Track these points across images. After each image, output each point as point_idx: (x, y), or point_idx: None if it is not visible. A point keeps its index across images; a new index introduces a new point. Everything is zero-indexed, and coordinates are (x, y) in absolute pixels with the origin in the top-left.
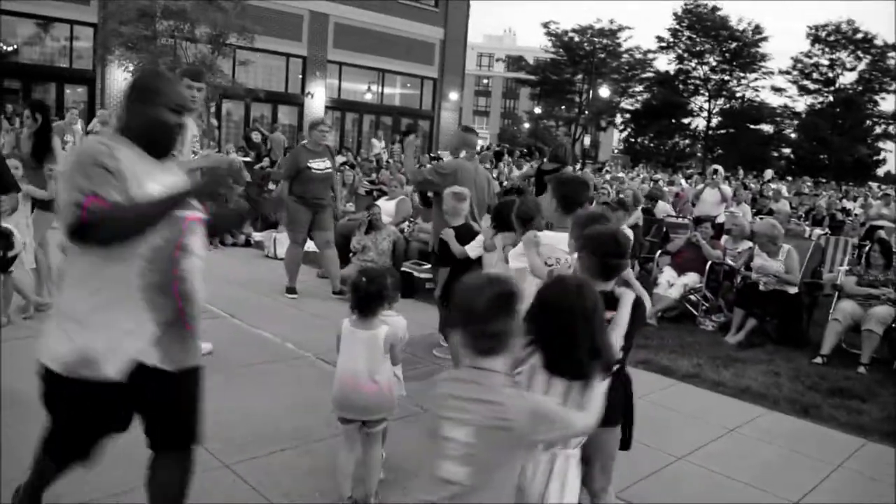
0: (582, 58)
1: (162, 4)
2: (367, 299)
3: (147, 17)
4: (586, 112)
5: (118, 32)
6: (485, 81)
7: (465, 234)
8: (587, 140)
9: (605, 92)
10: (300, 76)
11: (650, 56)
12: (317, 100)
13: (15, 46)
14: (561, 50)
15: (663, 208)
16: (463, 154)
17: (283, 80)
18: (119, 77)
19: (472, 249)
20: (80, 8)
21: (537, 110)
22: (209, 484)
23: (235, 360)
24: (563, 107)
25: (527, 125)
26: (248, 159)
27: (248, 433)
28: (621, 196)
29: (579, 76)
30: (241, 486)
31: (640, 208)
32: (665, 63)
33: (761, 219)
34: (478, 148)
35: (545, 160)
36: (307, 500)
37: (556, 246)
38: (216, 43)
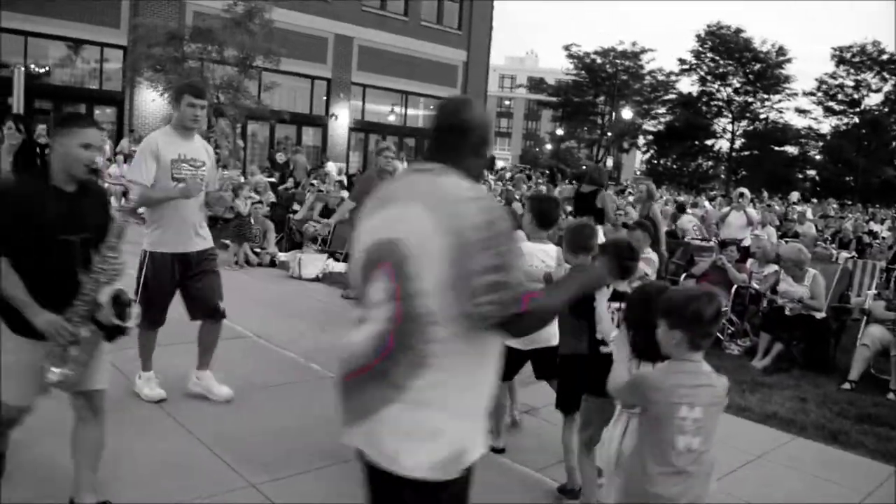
0: (604, 80)
1: (190, 27)
2: None
3: (176, 40)
4: (609, 133)
5: (148, 55)
6: (507, 103)
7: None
8: (609, 161)
9: (627, 114)
10: (324, 98)
11: (673, 78)
12: (341, 121)
13: (47, 68)
14: (583, 72)
15: (688, 220)
16: None
17: (307, 101)
18: (148, 98)
19: None
20: (111, 31)
21: (559, 132)
22: None
23: (261, 381)
24: (585, 128)
25: (549, 146)
26: (272, 180)
27: (275, 453)
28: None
29: (601, 98)
30: None
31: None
32: (688, 85)
33: (787, 242)
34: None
35: (583, 184)
36: None
37: (534, 254)
38: (243, 65)
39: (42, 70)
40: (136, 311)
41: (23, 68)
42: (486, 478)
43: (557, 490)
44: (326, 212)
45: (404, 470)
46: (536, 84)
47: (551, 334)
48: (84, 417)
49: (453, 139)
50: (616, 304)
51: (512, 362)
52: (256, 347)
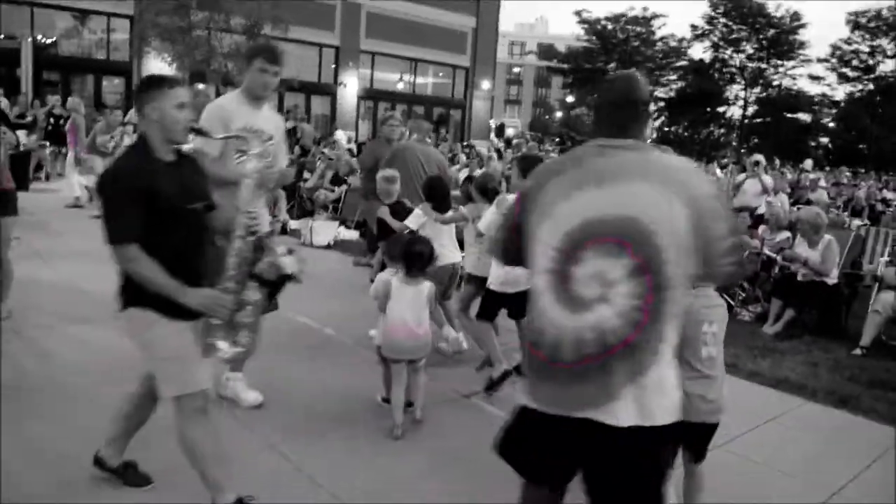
0: (615, 46)
1: None
2: (414, 260)
3: (183, 9)
4: None
5: (154, 24)
6: (516, 70)
7: (400, 211)
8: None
9: None
10: (333, 66)
11: (685, 44)
12: (349, 89)
13: (54, 39)
14: (594, 38)
15: None
16: (415, 136)
17: (315, 70)
18: (155, 68)
19: (412, 221)
20: (117, 0)
21: (570, 99)
22: (255, 464)
23: (273, 346)
24: (595, 95)
25: (559, 114)
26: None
27: (294, 417)
28: None
29: (612, 64)
30: (285, 465)
31: None
32: (700, 51)
33: (798, 209)
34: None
35: None
36: (349, 481)
37: None
38: (250, 33)
39: (49, 41)
40: (295, 257)
41: (30, 40)
42: None
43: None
44: (337, 179)
45: (660, 420)
46: (546, 51)
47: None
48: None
49: (636, 114)
50: None
51: (494, 305)
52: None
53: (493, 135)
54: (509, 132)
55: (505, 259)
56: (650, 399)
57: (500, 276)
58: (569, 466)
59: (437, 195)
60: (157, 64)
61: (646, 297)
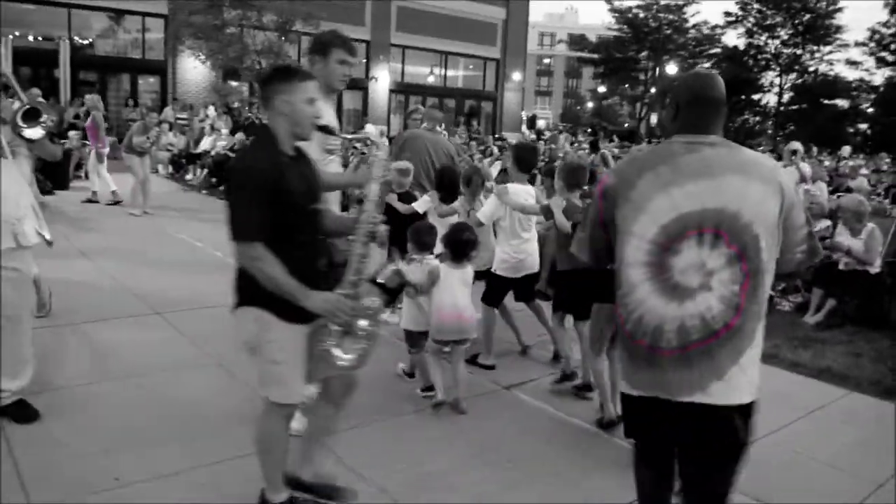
0: (647, 34)
1: None
2: (462, 246)
3: (215, 7)
4: (652, 90)
5: (188, 23)
6: (546, 61)
7: (408, 200)
8: (654, 118)
9: (671, 69)
10: (364, 60)
11: (718, 31)
12: (381, 84)
13: (91, 40)
14: (625, 27)
15: None
16: (425, 125)
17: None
18: (189, 66)
19: (419, 205)
20: (151, 0)
21: (601, 89)
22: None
23: None
24: (627, 85)
25: (590, 104)
26: None
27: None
28: None
29: (644, 53)
30: (328, 456)
31: None
32: (734, 38)
33: (838, 197)
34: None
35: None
36: (391, 471)
37: (519, 193)
38: (282, 30)
39: (86, 42)
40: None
41: (68, 41)
42: (543, 431)
43: (574, 388)
44: None
45: (748, 398)
46: (577, 41)
47: (535, 262)
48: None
49: (718, 111)
50: None
51: (502, 290)
52: None
53: (524, 126)
54: (540, 123)
55: (593, 259)
56: (744, 378)
57: (505, 262)
58: (671, 447)
59: (446, 185)
60: (191, 62)
61: (743, 283)
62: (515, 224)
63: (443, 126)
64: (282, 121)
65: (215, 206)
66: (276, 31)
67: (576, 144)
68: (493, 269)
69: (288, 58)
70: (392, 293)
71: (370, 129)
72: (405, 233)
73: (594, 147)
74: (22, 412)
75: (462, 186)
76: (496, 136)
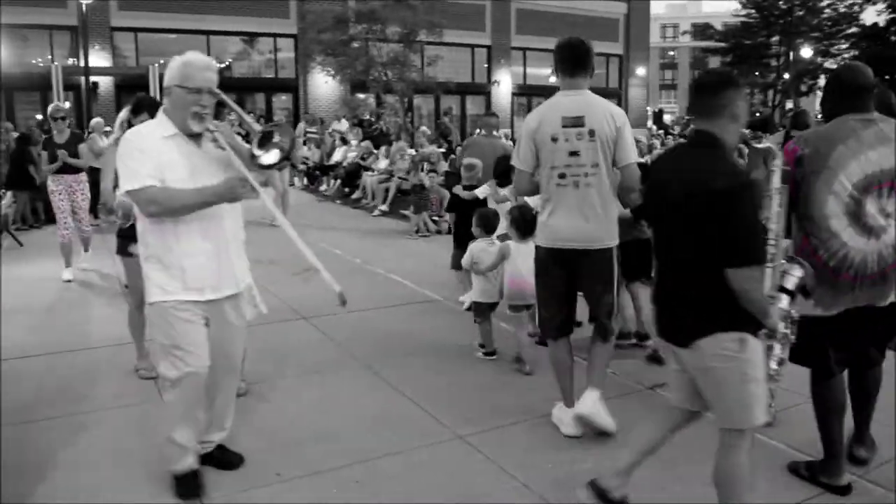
0: (777, 17)
1: (355, 8)
2: (529, 224)
3: (342, 23)
4: (785, 76)
5: (318, 40)
6: (670, 54)
7: (472, 189)
8: (789, 105)
9: (805, 52)
10: (485, 65)
11: (856, 8)
12: (503, 87)
13: (227, 63)
14: (753, 11)
15: None
16: (483, 132)
17: (469, 70)
18: (320, 82)
19: (480, 191)
20: (281, 21)
21: None
22: (445, 454)
23: (452, 341)
24: (757, 73)
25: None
26: (443, 150)
27: (478, 407)
28: None
29: (775, 38)
30: (476, 455)
31: None
32: (874, 14)
33: None
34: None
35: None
36: (539, 470)
37: None
38: (406, 41)
39: (223, 65)
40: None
41: None
42: (694, 431)
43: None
44: None
45: None
46: (701, 30)
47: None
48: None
49: (871, 93)
50: None
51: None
52: (445, 310)
53: (650, 122)
54: (667, 118)
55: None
56: None
57: (549, 236)
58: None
59: (501, 172)
60: (321, 77)
61: None
62: None
63: (498, 130)
64: (733, 129)
65: (349, 215)
66: (400, 42)
67: None
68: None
69: (414, 67)
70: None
71: None
72: (469, 218)
73: None
74: (224, 457)
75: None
76: None
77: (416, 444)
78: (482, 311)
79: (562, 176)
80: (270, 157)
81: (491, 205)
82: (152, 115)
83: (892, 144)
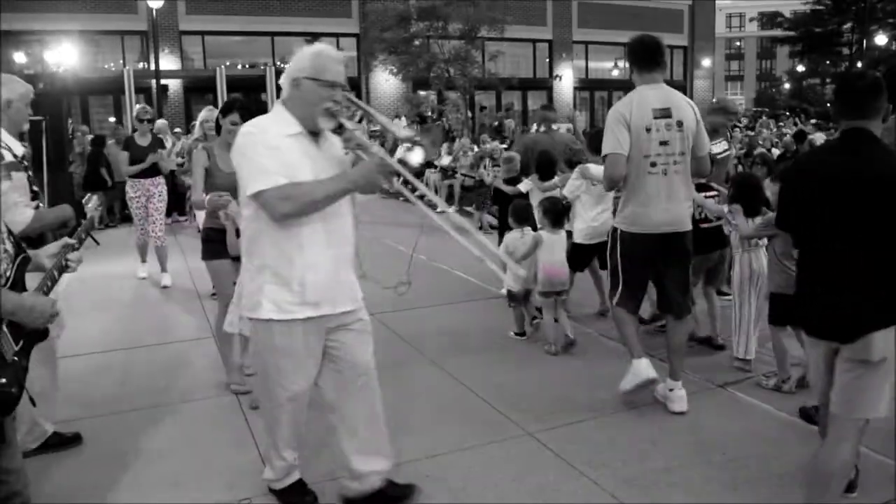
0: (850, 4)
1: (416, 6)
2: (559, 215)
3: (404, 21)
4: (858, 65)
5: (380, 39)
6: (736, 44)
7: (513, 182)
8: None
9: (880, 39)
10: (547, 60)
11: None
12: (565, 81)
13: None
14: None
15: None
16: (542, 128)
17: (530, 65)
18: (382, 80)
19: (522, 186)
20: (343, 21)
21: (799, 69)
22: (514, 450)
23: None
24: (828, 62)
25: (787, 86)
26: (505, 146)
27: (545, 404)
28: None
29: (847, 25)
30: (545, 452)
31: None
32: None
33: None
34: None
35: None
36: (610, 468)
37: (594, 169)
38: (468, 37)
39: (287, 65)
40: None
41: (272, 67)
42: (766, 431)
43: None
44: None
45: None
46: (769, 19)
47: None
48: None
49: None
50: (707, 193)
51: (583, 256)
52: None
53: None
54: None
55: None
56: None
57: (583, 231)
58: None
59: (543, 166)
60: (383, 76)
61: None
62: (592, 198)
63: (556, 123)
64: (879, 127)
65: (411, 211)
66: (462, 38)
67: (773, 130)
68: (573, 240)
69: (476, 63)
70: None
71: None
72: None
73: (800, 137)
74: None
75: (563, 165)
76: None
77: (485, 439)
78: (515, 297)
79: (653, 164)
80: (416, 156)
81: (536, 197)
82: (243, 117)
83: None
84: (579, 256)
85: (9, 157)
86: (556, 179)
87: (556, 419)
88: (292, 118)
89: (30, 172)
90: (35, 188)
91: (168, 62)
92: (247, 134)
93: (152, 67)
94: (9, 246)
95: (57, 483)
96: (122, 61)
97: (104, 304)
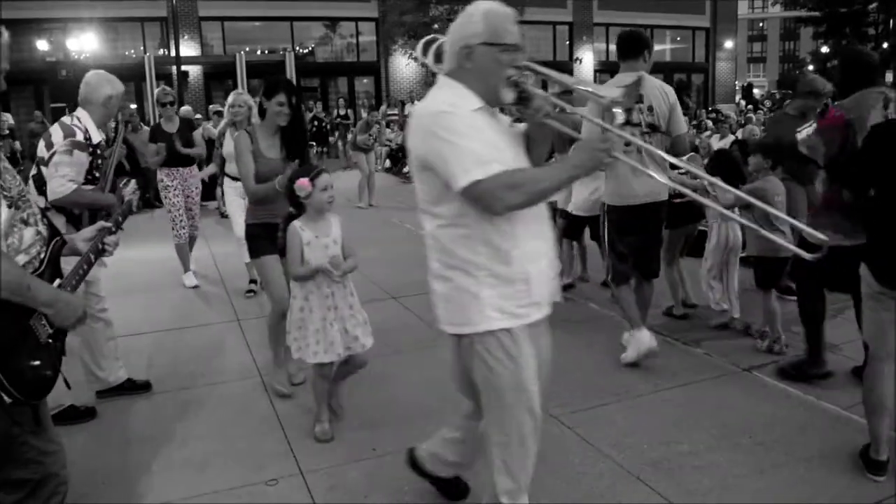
0: None
1: None
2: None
3: (424, 5)
4: (885, 45)
5: (400, 23)
6: (759, 25)
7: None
8: (889, 77)
9: None
10: (567, 42)
11: None
12: (585, 64)
13: (310, 48)
14: None
15: None
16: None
17: (550, 48)
18: (402, 64)
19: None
20: (363, 5)
21: (824, 50)
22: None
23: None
24: (854, 42)
25: (811, 68)
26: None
27: (570, 387)
28: None
29: (873, 5)
30: (569, 434)
31: None
32: None
33: None
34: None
35: None
36: (635, 451)
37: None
38: None
39: (306, 50)
40: None
41: (291, 52)
42: (793, 415)
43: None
44: None
45: None
46: None
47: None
48: None
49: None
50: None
51: (577, 227)
52: None
53: (738, 97)
54: (756, 92)
55: None
56: None
57: (580, 204)
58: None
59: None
60: (402, 60)
61: None
62: (589, 176)
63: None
64: None
65: None
66: None
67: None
68: (569, 210)
69: None
70: None
71: None
72: None
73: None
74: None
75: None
76: (709, 108)
77: None
78: None
79: (627, 144)
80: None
81: None
82: (290, 98)
83: None
84: (575, 227)
85: (80, 138)
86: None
87: (579, 402)
88: (468, 91)
89: (99, 161)
90: (97, 174)
91: (188, 48)
92: (441, 113)
93: (172, 54)
94: (42, 228)
95: (83, 465)
96: (142, 48)
97: (128, 287)
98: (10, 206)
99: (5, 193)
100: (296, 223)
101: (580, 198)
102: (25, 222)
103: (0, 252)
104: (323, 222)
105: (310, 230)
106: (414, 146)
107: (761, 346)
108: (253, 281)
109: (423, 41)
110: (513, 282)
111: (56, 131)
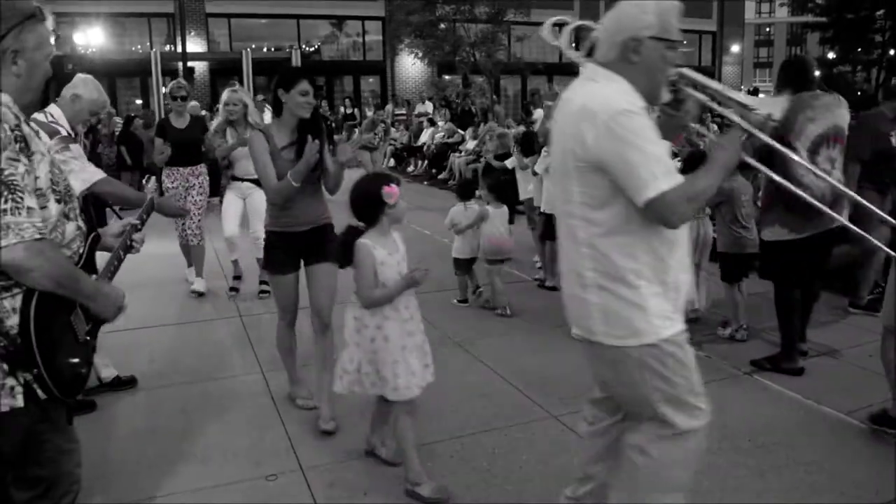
0: None
1: None
2: (502, 191)
3: (430, 5)
4: (891, 52)
5: (406, 22)
6: (766, 30)
7: (502, 157)
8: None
9: None
10: (574, 44)
11: None
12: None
13: (316, 46)
14: None
15: None
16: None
17: (557, 50)
18: (408, 63)
19: (509, 162)
20: (369, 4)
21: (830, 55)
22: (539, 432)
23: (558, 321)
24: (860, 49)
25: (817, 73)
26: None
27: (571, 388)
28: None
29: (880, 11)
30: (570, 435)
31: None
32: None
33: None
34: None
35: None
36: None
37: None
38: (494, 20)
39: (312, 49)
40: None
41: (298, 49)
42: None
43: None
44: None
45: None
46: (800, 4)
47: None
48: None
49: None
50: None
51: (553, 227)
52: (535, 289)
53: None
54: (762, 97)
55: None
56: None
57: (550, 203)
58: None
59: (524, 144)
60: (408, 59)
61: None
62: None
63: None
64: None
65: (437, 196)
66: (488, 22)
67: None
68: (542, 209)
69: (502, 46)
70: None
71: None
72: (503, 185)
73: None
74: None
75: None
76: (714, 112)
77: (511, 421)
78: (461, 265)
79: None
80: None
81: (518, 173)
82: (314, 86)
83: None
84: (551, 227)
85: (63, 133)
86: (527, 159)
87: (580, 403)
88: (632, 88)
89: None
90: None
91: (194, 44)
92: (625, 112)
93: (179, 50)
94: (81, 223)
95: (82, 458)
96: (149, 43)
97: (130, 282)
98: (58, 202)
99: (54, 188)
100: (367, 241)
101: (553, 198)
102: (67, 217)
103: (54, 244)
104: (390, 237)
105: (381, 247)
106: (581, 144)
107: (723, 333)
108: (264, 281)
109: (551, 21)
110: (668, 289)
111: (41, 134)
